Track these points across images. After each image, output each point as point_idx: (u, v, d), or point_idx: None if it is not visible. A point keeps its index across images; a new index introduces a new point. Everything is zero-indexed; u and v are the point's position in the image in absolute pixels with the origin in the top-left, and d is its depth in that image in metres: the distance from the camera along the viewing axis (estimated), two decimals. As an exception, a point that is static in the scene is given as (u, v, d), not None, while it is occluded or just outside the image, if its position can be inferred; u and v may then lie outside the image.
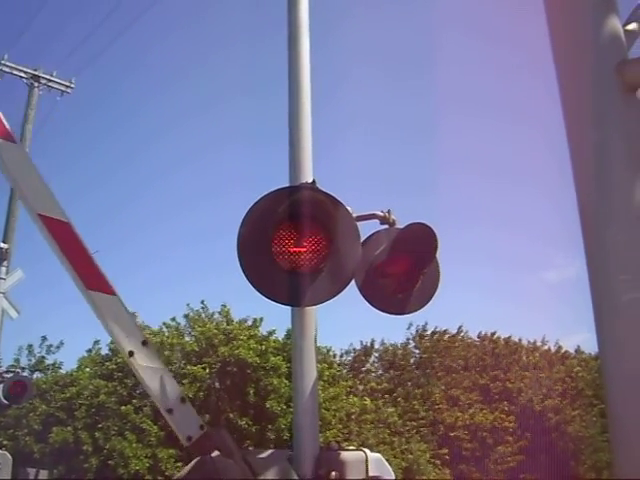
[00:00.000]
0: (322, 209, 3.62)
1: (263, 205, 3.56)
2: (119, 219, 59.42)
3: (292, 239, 3.63)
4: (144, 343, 3.67)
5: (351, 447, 4.02)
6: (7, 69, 25.84)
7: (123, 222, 59.64)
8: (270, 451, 3.94)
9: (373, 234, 4.62)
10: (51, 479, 18.41)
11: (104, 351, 24.93)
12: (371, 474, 3.74)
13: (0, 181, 4.13)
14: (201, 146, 59.92)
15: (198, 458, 3.61)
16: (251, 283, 3.56)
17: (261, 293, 3.60)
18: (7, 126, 3.72)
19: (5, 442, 21.21)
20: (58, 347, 26.64)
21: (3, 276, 14.51)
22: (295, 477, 3.58)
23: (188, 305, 25.01)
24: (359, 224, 3.92)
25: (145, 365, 3.62)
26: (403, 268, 4.52)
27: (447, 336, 35.78)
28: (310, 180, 4.05)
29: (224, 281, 43.53)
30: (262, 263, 3.58)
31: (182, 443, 3.67)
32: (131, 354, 3.60)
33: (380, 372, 35.17)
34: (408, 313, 4.69)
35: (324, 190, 3.68)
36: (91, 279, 3.64)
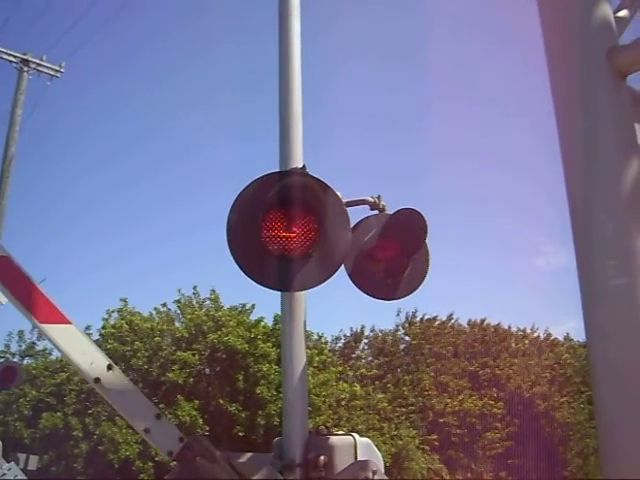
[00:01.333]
0: (312, 194, 3.61)
1: (252, 190, 3.54)
2: (113, 205, 59.24)
3: (282, 224, 3.61)
4: (109, 367, 3.58)
5: (340, 432, 4.03)
6: (-5, 54, 25.64)
7: (117, 207, 59.48)
8: (253, 454, 3.94)
9: (363, 220, 4.61)
10: (41, 465, 18.42)
11: (94, 337, 24.88)
12: (360, 459, 3.75)
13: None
14: (195, 137, 59.85)
15: (182, 463, 3.59)
16: (240, 268, 3.55)
17: (250, 278, 3.59)
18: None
19: (-6, 428, 21.23)
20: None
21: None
22: (280, 478, 3.58)
23: (179, 291, 25.01)
24: (349, 210, 3.91)
25: (113, 389, 3.56)
26: (393, 253, 4.51)
27: (437, 323, 35.93)
28: (300, 165, 4.04)
29: (216, 269, 43.57)
30: (251, 248, 3.56)
31: (165, 458, 3.61)
32: (97, 381, 3.52)
33: (370, 358, 35.29)
34: (398, 298, 4.69)
35: (314, 175, 3.67)
36: (42, 312, 3.53)
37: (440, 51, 57.08)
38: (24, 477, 11.92)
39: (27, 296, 3.56)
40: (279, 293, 3.99)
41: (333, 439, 3.79)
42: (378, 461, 3.83)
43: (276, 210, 3.59)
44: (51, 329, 3.54)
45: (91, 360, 3.53)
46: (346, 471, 3.53)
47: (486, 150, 57.98)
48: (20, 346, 26.12)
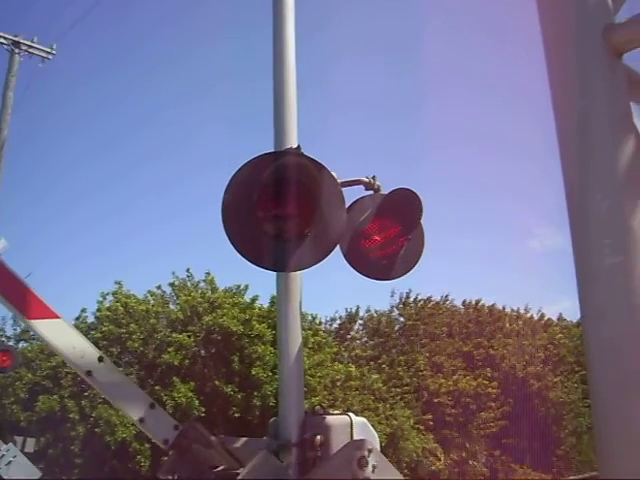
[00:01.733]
0: (307, 174, 3.59)
1: (247, 170, 3.52)
2: (106, 193, 59.13)
3: (277, 204, 3.60)
4: (100, 359, 3.56)
5: (336, 412, 4.05)
6: (-14, 36, 25.45)
7: (109, 196, 59.37)
8: (248, 439, 3.95)
9: (358, 200, 4.61)
10: (38, 447, 18.47)
11: (89, 319, 24.92)
12: (356, 438, 3.77)
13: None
14: (189, 124, 59.65)
15: (178, 450, 3.58)
16: (236, 249, 3.54)
17: (246, 258, 3.58)
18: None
19: (-9, 411, 21.26)
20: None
21: (-14, 244, 14.40)
22: (277, 463, 3.59)
23: (174, 273, 25.00)
24: (344, 190, 3.90)
25: (106, 381, 3.55)
26: (388, 234, 4.52)
27: (431, 304, 36.01)
28: (295, 146, 4.02)
29: (210, 251, 43.57)
30: (246, 229, 3.55)
31: (161, 447, 3.61)
32: (89, 374, 3.49)
33: (365, 339, 35.40)
34: (393, 279, 4.69)
35: (309, 155, 3.66)
36: (30, 308, 3.49)
37: (435, 33, 56.80)
38: (23, 457, 12.02)
39: (13, 292, 3.52)
40: (274, 274, 3.99)
41: (329, 419, 3.81)
42: (374, 440, 3.84)
43: (271, 190, 3.57)
44: (40, 324, 3.50)
45: (81, 353, 3.50)
46: (342, 450, 3.54)
47: (481, 133, 58.01)
48: (15, 330, 26.14)
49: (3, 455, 11.48)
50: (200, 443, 3.58)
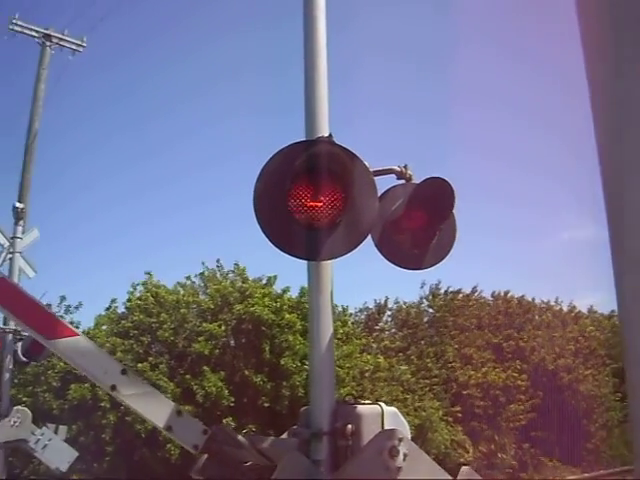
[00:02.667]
0: (339, 163, 3.59)
1: (279, 159, 3.52)
2: (133, 175, 59.61)
3: (309, 193, 3.60)
4: (123, 372, 3.57)
5: (367, 401, 4.05)
6: (18, 28, 25.74)
7: (136, 178, 59.85)
8: (276, 439, 3.96)
9: (390, 189, 4.59)
10: (70, 435, 18.73)
11: (120, 309, 25.15)
12: (387, 427, 3.77)
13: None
14: (221, 109, 59.84)
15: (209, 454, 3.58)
16: (268, 238, 3.55)
17: (278, 248, 3.59)
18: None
19: (24, 399, 21.48)
20: (77, 307, 26.87)
21: (20, 235, 14.59)
22: (308, 462, 3.59)
23: (203, 264, 25.14)
24: (376, 179, 3.88)
25: (131, 393, 3.55)
26: (420, 223, 4.50)
27: (460, 295, 35.84)
28: (327, 134, 4.01)
29: (238, 239, 43.75)
30: (279, 218, 3.56)
31: (192, 453, 3.61)
32: (113, 388, 3.51)
33: (393, 330, 35.32)
34: (424, 268, 4.68)
35: (341, 144, 3.65)
36: (49, 329, 3.50)
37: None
38: (58, 440, 12.24)
39: (30, 315, 3.53)
40: (303, 264, 3.99)
41: (360, 408, 3.81)
42: (405, 430, 3.84)
43: (303, 179, 3.57)
44: (59, 344, 3.51)
45: (104, 369, 3.51)
46: (373, 440, 3.54)
47: (519, 113, 57.26)
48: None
49: (39, 440, 11.72)
50: (230, 445, 3.59)
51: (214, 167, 59.16)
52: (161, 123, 62.03)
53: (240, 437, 3.65)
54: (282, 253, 3.62)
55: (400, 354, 31.19)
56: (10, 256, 14.31)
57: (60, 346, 3.46)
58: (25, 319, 3.49)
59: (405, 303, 35.79)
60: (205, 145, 61.11)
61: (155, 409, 3.58)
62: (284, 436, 4.06)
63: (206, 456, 3.69)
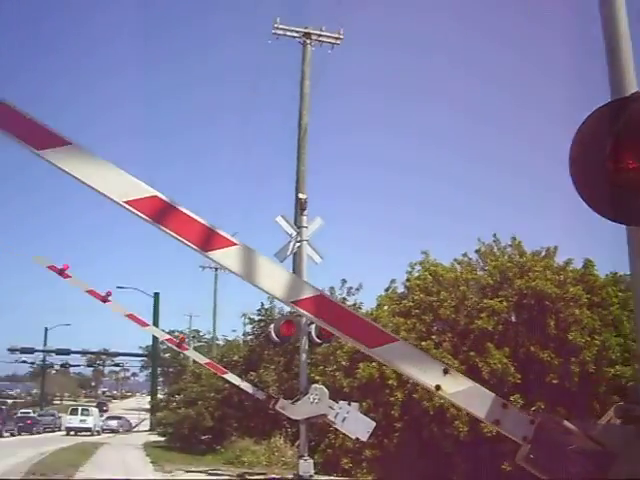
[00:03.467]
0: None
1: (596, 118, 3.31)
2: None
3: (632, 155, 3.34)
4: (445, 372, 3.62)
5: None
6: (281, 32, 27.41)
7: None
8: (605, 424, 3.71)
9: None
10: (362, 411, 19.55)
11: (400, 289, 25.78)
12: None
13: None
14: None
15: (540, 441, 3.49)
16: (585, 201, 3.36)
17: (595, 210, 3.38)
18: (51, 130, 3.40)
19: (317, 377, 22.89)
20: (358, 289, 28.11)
21: (305, 224, 15.46)
22: None
23: (479, 240, 24.89)
24: None
25: (455, 391, 3.59)
26: None
27: None
28: (635, 90, 3.72)
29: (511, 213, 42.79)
30: (596, 180, 3.34)
31: (520, 443, 3.56)
32: (438, 388, 3.57)
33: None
34: None
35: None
36: (372, 338, 3.62)
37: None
38: (355, 412, 12.93)
39: (357, 327, 3.67)
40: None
41: None
42: None
43: (626, 140, 3.32)
44: (383, 350, 3.62)
45: (426, 370, 3.62)
46: None
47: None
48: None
49: (337, 413, 12.47)
50: (558, 432, 3.46)
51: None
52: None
53: (568, 424, 3.51)
54: (598, 216, 3.41)
55: None
56: (298, 244, 15.23)
57: (383, 352, 3.63)
58: (351, 332, 3.70)
59: None
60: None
61: (481, 405, 3.60)
62: (610, 414, 3.82)
63: (536, 447, 3.60)
